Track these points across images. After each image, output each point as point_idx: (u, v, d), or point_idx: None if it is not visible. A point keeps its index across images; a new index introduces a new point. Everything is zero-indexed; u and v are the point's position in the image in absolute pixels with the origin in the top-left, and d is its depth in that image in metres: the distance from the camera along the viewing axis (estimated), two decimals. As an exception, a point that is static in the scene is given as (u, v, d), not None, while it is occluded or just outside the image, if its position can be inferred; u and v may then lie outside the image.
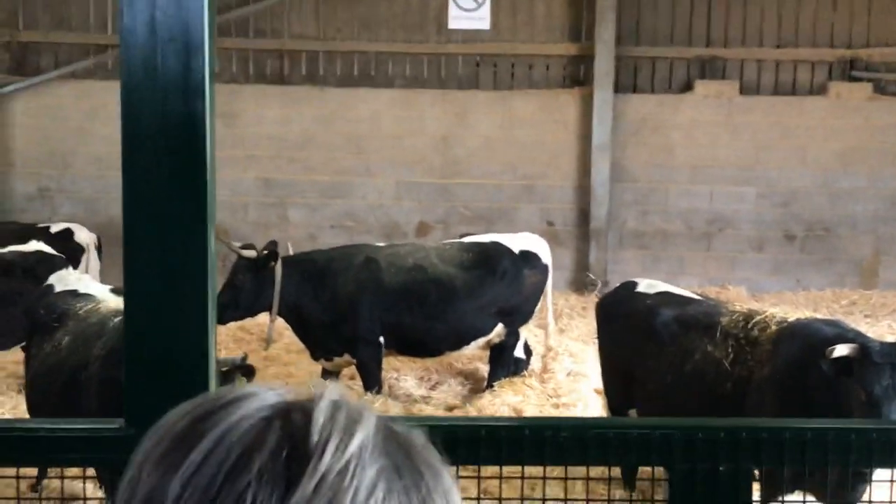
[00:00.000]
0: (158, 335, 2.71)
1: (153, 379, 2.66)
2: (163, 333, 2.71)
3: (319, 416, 1.02)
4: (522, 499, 3.08)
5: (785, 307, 12.89)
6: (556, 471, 2.98)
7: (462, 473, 2.89)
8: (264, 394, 1.06)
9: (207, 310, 2.71)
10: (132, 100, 2.60)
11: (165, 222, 2.66)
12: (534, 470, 2.98)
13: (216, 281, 2.77)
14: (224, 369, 6.63)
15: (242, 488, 0.96)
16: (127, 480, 1.04)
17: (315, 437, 0.99)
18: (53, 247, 10.29)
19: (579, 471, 2.98)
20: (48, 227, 11.87)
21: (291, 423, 1.01)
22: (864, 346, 5.78)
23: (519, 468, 2.93)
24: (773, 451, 2.82)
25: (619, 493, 6.45)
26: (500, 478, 2.89)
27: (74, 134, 14.33)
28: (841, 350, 5.78)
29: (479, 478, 2.87)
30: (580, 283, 14.52)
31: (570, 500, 3.01)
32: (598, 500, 3.16)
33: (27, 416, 7.34)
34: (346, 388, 1.26)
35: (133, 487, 1.02)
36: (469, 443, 2.80)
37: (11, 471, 3.34)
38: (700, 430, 2.84)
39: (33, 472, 6.81)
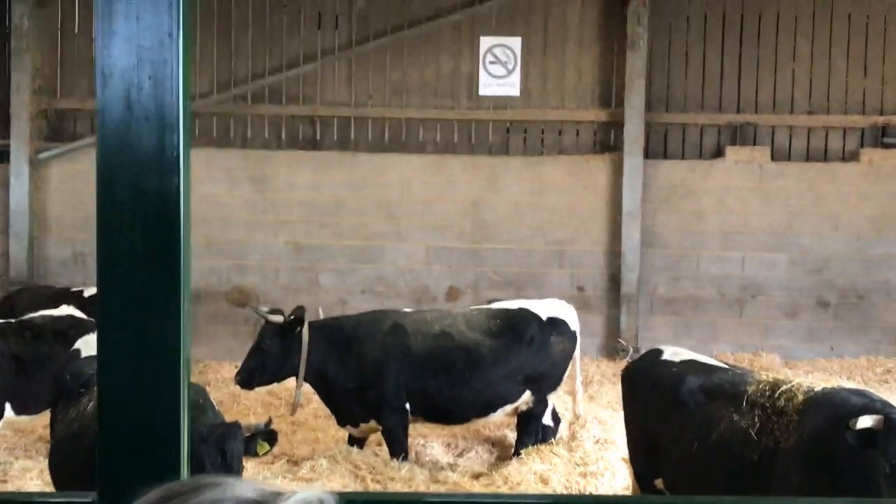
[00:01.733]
0: (132, 410, 2.73)
1: (126, 453, 2.67)
2: (136, 408, 2.72)
3: None
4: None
5: (818, 375, 12.86)
6: None
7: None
8: (238, 485, 1.08)
9: (181, 385, 2.73)
10: (108, 176, 2.65)
11: (140, 297, 2.69)
12: None
13: (190, 355, 2.79)
14: (248, 434, 6.64)
15: None
16: None
17: None
18: (87, 311, 10.38)
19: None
20: (81, 292, 11.98)
21: None
22: (888, 416, 5.70)
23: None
24: None
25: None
26: None
27: (109, 199, 14.51)
28: (864, 421, 5.70)
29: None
30: (611, 350, 14.44)
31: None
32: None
33: (50, 480, 7.35)
34: (326, 491, 1.26)
35: None
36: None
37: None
38: None
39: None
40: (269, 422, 6.97)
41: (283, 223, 14.68)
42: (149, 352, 2.70)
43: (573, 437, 10.27)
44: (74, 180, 14.76)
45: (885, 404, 6.13)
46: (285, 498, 1.07)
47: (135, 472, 2.65)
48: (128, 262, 2.67)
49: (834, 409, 6.11)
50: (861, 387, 9.08)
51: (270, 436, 6.82)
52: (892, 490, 5.57)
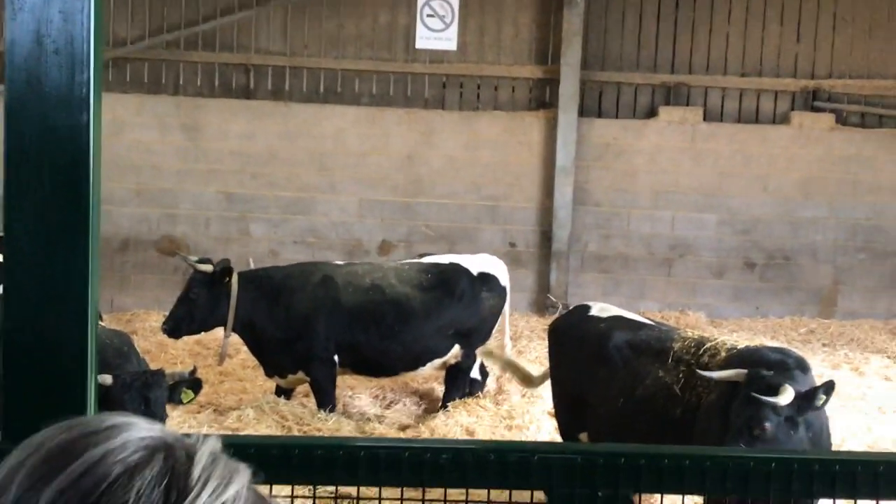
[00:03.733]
0: (38, 351, 2.69)
1: (32, 395, 2.64)
2: (42, 350, 2.69)
3: (202, 458, 1.07)
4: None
5: (743, 334, 13.07)
6: (443, 494, 2.99)
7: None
8: (146, 424, 1.11)
9: (88, 327, 2.70)
10: (16, 112, 2.60)
11: (47, 236, 2.65)
12: (415, 493, 2.98)
13: (98, 297, 2.76)
14: (172, 382, 6.62)
15: None
16: None
17: (195, 475, 1.04)
18: None
19: (481, 494, 2.99)
20: None
21: (175, 458, 1.06)
22: (750, 372, 5.91)
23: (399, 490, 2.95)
24: (652, 477, 2.84)
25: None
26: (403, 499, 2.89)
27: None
28: (727, 374, 5.97)
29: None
30: (541, 306, 14.54)
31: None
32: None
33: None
34: (221, 446, 1.29)
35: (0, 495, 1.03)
36: (389, 464, 2.80)
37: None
38: (579, 455, 2.86)
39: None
40: (194, 370, 6.96)
41: (215, 172, 14.53)
42: (56, 291, 2.67)
43: (500, 390, 10.36)
44: None
45: (800, 361, 6.26)
46: (198, 443, 1.10)
47: (42, 413, 2.61)
48: (35, 200, 2.63)
49: (752, 365, 6.22)
50: (783, 345, 9.25)
51: (195, 384, 6.81)
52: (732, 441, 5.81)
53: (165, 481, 1.02)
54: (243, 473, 1.10)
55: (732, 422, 5.83)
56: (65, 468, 1.01)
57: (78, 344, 2.67)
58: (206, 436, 1.12)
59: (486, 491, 2.94)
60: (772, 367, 6.00)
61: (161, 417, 6.28)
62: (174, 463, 1.04)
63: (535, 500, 2.97)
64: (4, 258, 2.73)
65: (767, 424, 5.76)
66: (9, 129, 2.64)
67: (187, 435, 1.11)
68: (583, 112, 14.54)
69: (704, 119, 14.62)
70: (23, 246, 2.66)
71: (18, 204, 2.65)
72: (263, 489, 1.16)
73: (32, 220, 2.63)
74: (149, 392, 6.32)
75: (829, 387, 5.90)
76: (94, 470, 1.01)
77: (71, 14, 2.52)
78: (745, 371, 5.93)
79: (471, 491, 2.89)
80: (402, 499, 2.93)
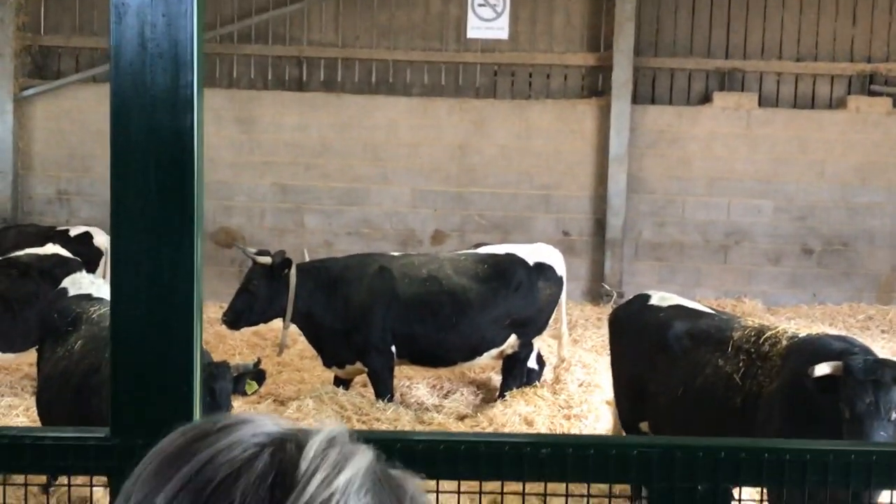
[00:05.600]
0: (145, 347, 2.73)
1: (139, 390, 2.68)
2: (149, 347, 2.73)
3: (311, 449, 1.05)
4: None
5: (801, 321, 12.95)
6: (539, 488, 3.00)
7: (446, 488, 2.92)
8: (261, 421, 1.10)
9: (193, 323, 2.73)
10: (121, 114, 2.63)
11: (153, 235, 2.68)
12: (515, 486, 3.00)
13: (202, 294, 2.79)
14: (236, 374, 6.68)
15: None
16: (122, 495, 1.07)
17: (303, 468, 1.02)
18: (72, 250, 10.36)
19: (570, 488, 3.00)
20: (67, 231, 11.96)
21: (283, 451, 1.04)
22: (846, 363, 5.77)
23: (495, 484, 2.95)
24: (751, 470, 2.83)
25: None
26: (460, 492, 2.91)
27: (93, 137, 14.37)
28: (823, 368, 5.79)
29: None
30: (595, 294, 14.51)
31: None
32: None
33: (38, 418, 7.39)
34: (345, 425, 1.26)
35: (125, 500, 1.06)
36: (447, 457, 2.82)
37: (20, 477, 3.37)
38: (679, 450, 2.85)
39: (38, 479, 6.83)
40: (258, 362, 7.02)
41: (269, 164, 14.63)
42: (161, 291, 2.70)
43: (557, 380, 10.35)
44: (59, 118, 14.66)
45: (866, 350, 6.19)
46: (312, 433, 1.08)
47: (147, 409, 2.66)
48: (141, 201, 2.66)
49: (815, 354, 6.16)
50: (843, 333, 9.17)
51: (258, 375, 6.86)
52: (852, 435, 5.65)
53: (272, 477, 1.01)
54: (361, 457, 1.07)
55: (857, 411, 5.66)
56: (178, 472, 1.03)
57: (184, 340, 2.71)
58: (328, 422, 1.10)
59: (587, 486, 2.95)
60: (837, 357, 5.94)
61: (227, 409, 6.34)
62: (282, 457, 1.03)
63: (590, 493, 2.98)
64: (111, 256, 2.77)
65: None
66: (115, 130, 2.67)
67: (301, 429, 1.09)
68: (636, 99, 14.46)
69: (759, 105, 14.48)
70: (129, 246, 2.71)
71: (125, 203, 2.69)
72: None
73: (139, 221, 2.67)
74: (214, 383, 6.37)
75: None
76: (203, 471, 1.02)
77: (174, 17, 2.55)
78: (840, 363, 5.81)
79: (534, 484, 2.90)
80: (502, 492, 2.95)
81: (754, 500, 3.13)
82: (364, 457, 1.07)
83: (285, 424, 1.09)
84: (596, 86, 14.70)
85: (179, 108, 2.62)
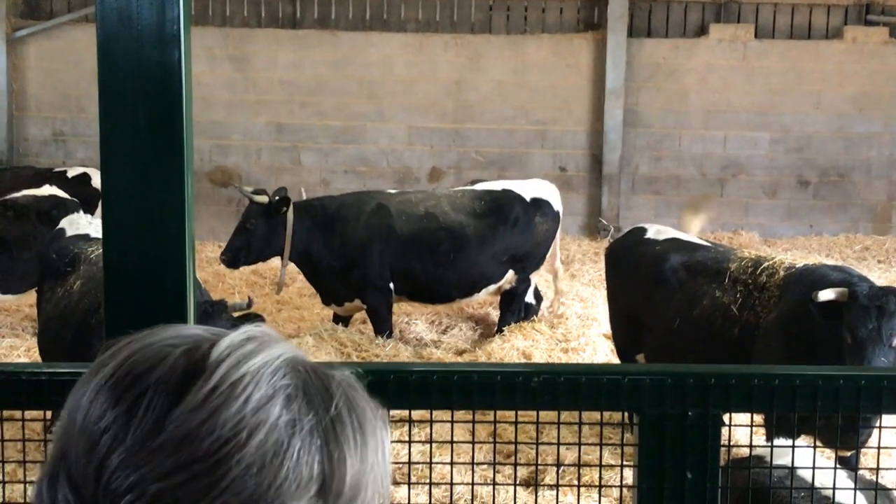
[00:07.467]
0: (137, 284, 2.76)
1: (132, 325, 2.71)
2: (141, 282, 2.76)
3: (224, 342, 1.09)
4: (495, 442, 3.19)
5: (797, 252, 12.99)
6: (532, 416, 3.05)
7: (439, 417, 2.97)
8: (185, 328, 1.15)
9: (186, 259, 2.75)
10: (108, 50, 2.63)
11: (142, 170, 2.70)
12: (508, 414, 3.04)
13: (193, 228, 2.82)
14: (234, 314, 6.71)
15: (139, 393, 1.05)
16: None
17: (214, 355, 1.07)
18: (70, 191, 10.35)
19: (562, 416, 3.05)
20: (65, 172, 11.93)
21: (198, 348, 1.09)
22: (851, 289, 5.81)
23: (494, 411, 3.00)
24: (741, 396, 2.87)
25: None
26: (454, 422, 2.95)
27: (88, 78, 14.25)
28: (828, 294, 5.83)
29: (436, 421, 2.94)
30: (592, 229, 14.54)
31: (541, 443, 3.11)
32: (569, 444, 3.24)
33: (39, 358, 7.44)
34: (274, 331, 1.27)
35: (64, 408, 1.13)
36: (441, 387, 2.86)
37: (19, 413, 3.40)
38: (669, 377, 2.88)
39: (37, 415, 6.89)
40: (250, 301, 7.03)
41: (264, 103, 14.57)
42: (153, 222, 2.72)
43: (555, 314, 10.41)
44: (52, 58, 14.56)
45: (864, 280, 6.23)
46: (231, 333, 1.11)
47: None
48: (130, 137, 2.67)
49: (813, 283, 6.21)
50: (840, 263, 9.21)
51: (253, 316, 6.88)
52: (853, 360, 5.71)
53: (182, 367, 1.06)
54: (279, 347, 1.09)
55: (859, 336, 5.71)
56: (100, 373, 1.10)
57: (177, 270, 2.72)
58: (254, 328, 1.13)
59: (579, 414, 2.98)
60: (836, 286, 5.97)
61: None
62: (196, 351, 1.08)
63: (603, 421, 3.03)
64: (102, 191, 2.79)
65: None
66: (102, 66, 2.67)
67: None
68: (632, 32, 14.37)
69: (756, 36, 14.40)
70: (120, 181, 2.72)
71: (114, 139, 2.70)
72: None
73: (128, 156, 2.68)
74: (209, 321, 6.40)
75: None
76: (121, 368, 1.08)
77: (160, -49, 2.54)
78: (843, 289, 5.85)
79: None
80: (516, 422, 2.99)
81: (745, 425, 3.16)
82: (283, 347, 1.10)
83: (215, 331, 1.13)
84: (592, 19, 14.60)
85: (166, 43, 2.62)
